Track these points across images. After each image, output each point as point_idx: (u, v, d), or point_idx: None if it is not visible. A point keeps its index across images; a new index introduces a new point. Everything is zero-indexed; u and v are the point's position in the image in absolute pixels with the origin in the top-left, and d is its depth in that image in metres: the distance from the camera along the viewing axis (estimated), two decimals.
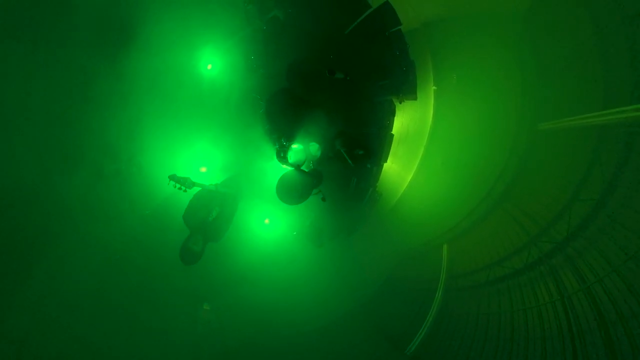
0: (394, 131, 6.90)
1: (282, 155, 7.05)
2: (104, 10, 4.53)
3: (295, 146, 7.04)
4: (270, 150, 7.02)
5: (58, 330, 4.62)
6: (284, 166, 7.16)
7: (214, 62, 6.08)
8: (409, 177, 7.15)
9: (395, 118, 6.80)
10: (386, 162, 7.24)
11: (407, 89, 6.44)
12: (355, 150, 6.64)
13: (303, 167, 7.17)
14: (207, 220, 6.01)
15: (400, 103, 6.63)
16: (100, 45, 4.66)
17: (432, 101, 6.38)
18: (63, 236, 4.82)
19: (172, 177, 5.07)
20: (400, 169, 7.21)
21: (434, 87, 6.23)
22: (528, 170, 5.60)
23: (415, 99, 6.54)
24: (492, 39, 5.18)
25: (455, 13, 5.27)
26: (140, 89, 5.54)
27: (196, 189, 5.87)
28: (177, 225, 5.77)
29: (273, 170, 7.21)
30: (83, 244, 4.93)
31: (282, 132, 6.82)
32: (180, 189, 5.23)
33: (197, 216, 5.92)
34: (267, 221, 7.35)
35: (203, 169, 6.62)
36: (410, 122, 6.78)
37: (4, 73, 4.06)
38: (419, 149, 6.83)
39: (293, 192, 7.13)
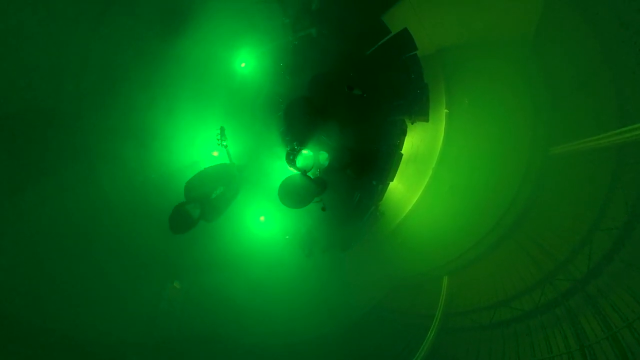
0: (403, 150, 6.90)
1: (291, 158, 7.30)
2: None
3: (305, 152, 7.30)
4: (281, 152, 7.34)
5: (17, 257, 4.62)
6: (291, 169, 7.33)
7: (248, 62, 6.99)
8: (414, 200, 6.82)
9: (406, 138, 6.87)
10: (392, 181, 7.08)
11: (419, 110, 6.64)
12: (358, 164, 6.66)
13: (309, 174, 7.27)
14: (209, 196, 6.12)
15: (412, 123, 6.76)
16: (159, 26, 5.74)
17: (443, 124, 6.44)
18: (64, 167, 5.17)
19: (222, 129, 5.42)
20: (406, 190, 6.95)
21: (446, 110, 6.36)
22: (542, 198, 5.10)
23: (427, 120, 6.67)
24: (503, 63, 5.38)
25: (468, 40, 5.67)
26: (181, 72, 6.42)
27: (208, 165, 6.21)
28: (175, 196, 5.93)
29: (280, 170, 7.39)
30: (80, 183, 5.22)
31: (295, 137, 7.19)
32: (218, 140, 5.54)
33: (200, 188, 6.07)
34: (262, 218, 7.24)
35: (215, 153, 7.04)
36: (420, 143, 6.80)
37: (72, 30, 5.10)
38: (427, 170, 6.65)
39: (295, 195, 7.12)
